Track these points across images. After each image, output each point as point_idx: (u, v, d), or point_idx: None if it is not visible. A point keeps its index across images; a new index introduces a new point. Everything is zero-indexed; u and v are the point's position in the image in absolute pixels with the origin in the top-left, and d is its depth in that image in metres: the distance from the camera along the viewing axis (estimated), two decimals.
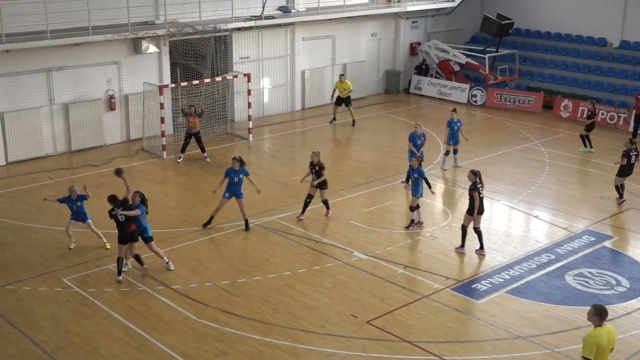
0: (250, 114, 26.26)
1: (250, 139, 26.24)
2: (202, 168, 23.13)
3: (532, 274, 16.20)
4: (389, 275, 15.99)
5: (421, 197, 18.36)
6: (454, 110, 23.30)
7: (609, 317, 10.12)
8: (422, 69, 34.29)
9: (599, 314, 9.95)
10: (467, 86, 32.76)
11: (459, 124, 22.88)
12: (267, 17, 28.12)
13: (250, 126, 26.30)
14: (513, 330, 13.87)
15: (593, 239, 18.13)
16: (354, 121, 28.44)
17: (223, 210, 18.55)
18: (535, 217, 19.69)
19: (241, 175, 17.94)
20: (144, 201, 15.62)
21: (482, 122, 29.83)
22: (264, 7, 27.77)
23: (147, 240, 15.67)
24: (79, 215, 17.02)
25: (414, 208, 18.43)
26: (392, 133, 27.98)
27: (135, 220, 15.32)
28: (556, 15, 34.22)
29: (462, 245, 17.18)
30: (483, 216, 17.29)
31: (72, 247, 17.01)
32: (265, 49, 29.20)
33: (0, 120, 22.84)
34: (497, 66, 33.13)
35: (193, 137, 23.60)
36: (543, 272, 16.33)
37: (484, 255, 17.04)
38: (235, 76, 26.66)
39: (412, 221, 18.54)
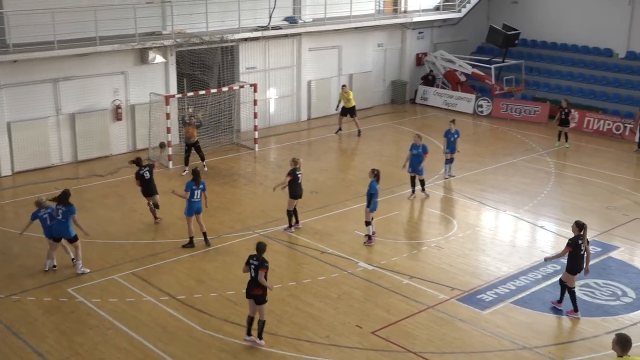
0: (256, 124, 26.27)
1: (256, 149, 26.24)
2: (207, 178, 23.00)
3: (538, 285, 16.11)
4: (394, 286, 15.92)
5: (372, 211, 17.94)
6: (453, 121, 23.24)
7: (615, 328, 10.03)
8: (429, 80, 34.28)
9: (621, 344, 9.78)
10: (473, 96, 32.72)
11: (456, 136, 22.87)
12: (274, 28, 28.17)
13: (256, 136, 26.31)
14: (519, 341, 13.77)
15: (599, 249, 18.01)
16: (359, 131, 28.43)
17: (229, 221, 18.49)
18: (541, 227, 19.59)
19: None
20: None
21: (488, 132, 29.77)
22: (270, 17, 27.83)
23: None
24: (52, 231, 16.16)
25: (369, 222, 18.13)
26: (397, 143, 27.91)
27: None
28: (562, 25, 34.20)
29: (575, 310, 14.74)
30: (490, 226, 17.10)
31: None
32: (271, 59, 29.24)
33: (7, 130, 22.90)
34: (503, 76, 33.07)
35: (192, 147, 23.60)
36: (549, 282, 16.22)
37: (578, 318, 14.83)
38: (242, 86, 26.69)
39: (369, 236, 18.20)
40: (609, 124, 28.90)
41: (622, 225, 19.57)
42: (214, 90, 25.84)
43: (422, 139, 21.52)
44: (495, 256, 17.56)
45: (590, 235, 18.69)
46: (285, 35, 29.16)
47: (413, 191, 21.32)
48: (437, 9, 34.88)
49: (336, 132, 28.64)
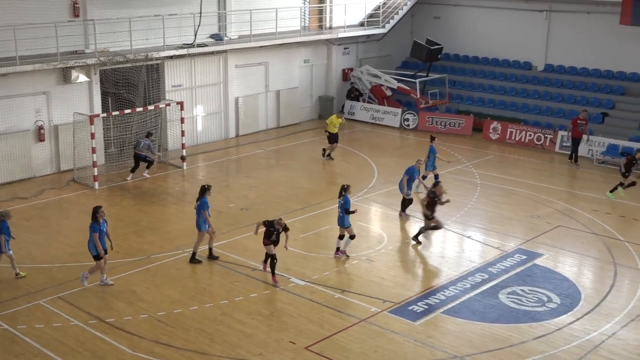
0: (183, 142, 26.03)
1: (184, 167, 25.99)
2: (135, 198, 22.79)
3: (467, 294, 16.40)
4: (326, 300, 15.96)
5: (344, 227, 18.17)
6: (432, 137, 23.97)
7: (541, 333, 10.27)
8: (354, 95, 34.62)
9: None
10: (399, 110, 33.20)
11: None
12: (200, 45, 28.03)
13: (185, 154, 26.06)
14: (450, 350, 13.97)
15: (524, 257, 18.47)
16: (326, 152, 27.72)
17: (158, 241, 18.24)
18: (469, 237, 19.97)
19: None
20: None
21: (415, 145, 30.20)
22: (196, 35, 27.68)
23: None
24: None
25: (342, 237, 18.32)
26: None
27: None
28: (484, 40, 35.11)
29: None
30: (419, 238, 17.42)
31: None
32: (198, 77, 29.07)
33: None
34: (427, 90, 33.67)
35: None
36: (477, 291, 16.55)
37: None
38: (168, 104, 26.44)
39: (338, 249, 18.41)
40: (530, 135, 29.77)
41: (546, 233, 20.12)
42: (139, 109, 25.52)
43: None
44: (425, 268, 17.80)
45: (515, 243, 19.29)
46: (211, 53, 29.04)
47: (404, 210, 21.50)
48: (361, 25, 35.30)
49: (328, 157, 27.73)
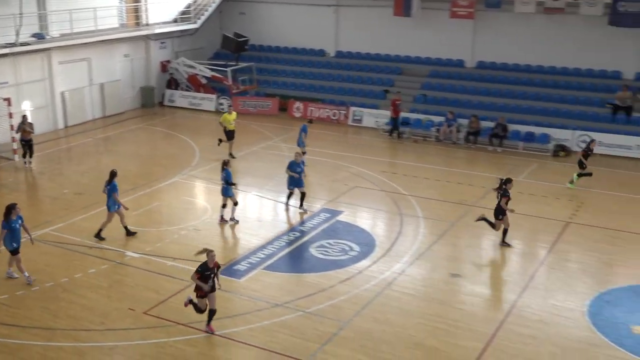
0: (13, 135, 24.22)
1: (16, 159, 24.23)
2: None
3: (283, 251, 16.75)
4: (160, 269, 15.66)
5: (228, 196, 18.29)
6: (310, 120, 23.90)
7: (346, 277, 10.68)
8: (172, 84, 33.90)
9: None
10: (214, 96, 32.91)
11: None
12: (22, 44, 26.06)
13: (15, 147, 24.28)
14: (271, 300, 14.24)
15: (329, 215, 19.10)
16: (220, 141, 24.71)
17: None
18: (281, 202, 20.28)
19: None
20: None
21: None
22: (17, 34, 25.71)
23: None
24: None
25: (225, 205, 18.40)
26: (152, 142, 27.36)
27: None
28: (284, 32, 35.54)
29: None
30: (240, 206, 17.46)
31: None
32: (23, 74, 27.05)
33: None
34: (238, 77, 33.62)
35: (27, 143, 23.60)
36: (291, 247, 16.94)
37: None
38: None
39: (222, 217, 18.43)
40: (327, 112, 30.67)
41: (345, 194, 20.90)
42: None
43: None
44: (245, 231, 17.94)
45: (320, 204, 19.87)
46: (35, 51, 27.12)
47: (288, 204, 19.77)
48: (175, 21, 34.47)
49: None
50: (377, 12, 32.49)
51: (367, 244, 17.21)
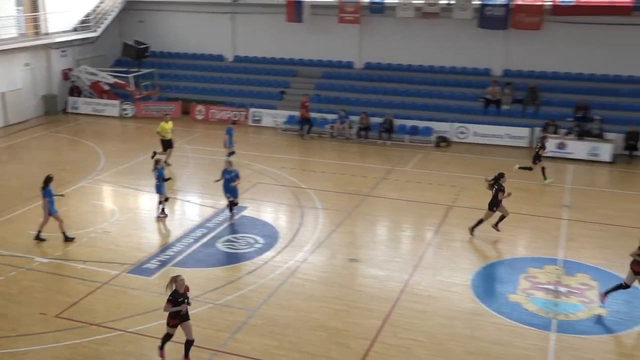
0: None
1: None
2: None
3: (191, 247, 16.51)
4: (71, 272, 15.08)
5: (161, 193, 18.26)
6: (233, 122, 23.76)
7: (252, 268, 10.66)
8: (75, 92, 32.57)
9: None
10: (117, 102, 31.89)
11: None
12: None
13: None
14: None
15: (235, 211, 18.95)
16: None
17: None
18: (187, 201, 20.01)
19: None
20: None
21: (135, 131, 29.32)
22: None
23: None
24: None
25: (161, 202, 18.32)
26: (57, 149, 26.24)
27: None
28: (183, 38, 34.89)
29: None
30: (147, 207, 17.08)
31: None
32: None
33: None
34: (141, 83, 32.73)
35: None
36: (199, 244, 16.74)
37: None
38: None
39: (163, 210, 18.49)
40: (228, 114, 30.43)
41: (248, 190, 20.84)
42: None
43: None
44: (153, 231, 17.56)
45: (224, 201, 19.62)
46: None
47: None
48: (75, 29, 33.08)
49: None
50: (271, 18, 32.50)
51: (270, 236, 17.25)
